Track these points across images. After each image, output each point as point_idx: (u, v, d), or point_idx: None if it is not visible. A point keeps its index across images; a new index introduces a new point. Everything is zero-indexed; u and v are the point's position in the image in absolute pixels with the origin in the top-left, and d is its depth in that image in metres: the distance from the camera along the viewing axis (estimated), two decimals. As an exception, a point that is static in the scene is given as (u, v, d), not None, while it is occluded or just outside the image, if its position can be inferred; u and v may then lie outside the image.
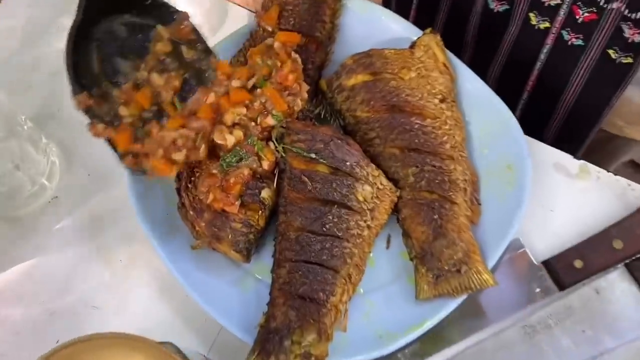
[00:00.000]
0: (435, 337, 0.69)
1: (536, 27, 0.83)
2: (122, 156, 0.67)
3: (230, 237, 0.68)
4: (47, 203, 0.79)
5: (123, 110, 0.68)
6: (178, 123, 0.68)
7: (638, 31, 0.75)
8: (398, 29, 0.82)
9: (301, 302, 0.66)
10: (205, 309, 0.67)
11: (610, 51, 0.79)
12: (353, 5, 0.83)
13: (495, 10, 0.85)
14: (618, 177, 0.79)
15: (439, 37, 0.79)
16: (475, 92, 0.78)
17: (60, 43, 0.88)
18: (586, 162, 0.80)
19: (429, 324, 0.66)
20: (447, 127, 0.74)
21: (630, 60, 0.78)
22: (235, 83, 0.73)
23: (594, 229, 0.75)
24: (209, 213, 0.68)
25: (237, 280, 0.71)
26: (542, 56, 0.86)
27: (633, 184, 0.78)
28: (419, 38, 0.78)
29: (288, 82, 0.72)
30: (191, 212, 0.68)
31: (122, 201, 0.76)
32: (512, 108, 0.77)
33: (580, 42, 0.80)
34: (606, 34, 0.77)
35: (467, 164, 0.75)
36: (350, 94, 0.76)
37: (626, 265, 0.71)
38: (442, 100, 0.76)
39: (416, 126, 0.74)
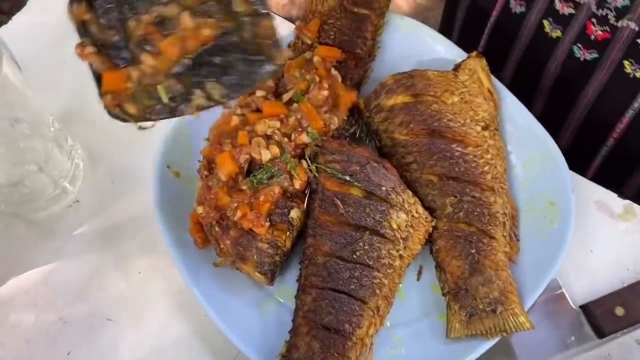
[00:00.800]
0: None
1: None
2: (102, 93, 0.54)
3: (255, 257, 0.65)
4: (67, 207, 0.76)
5: (148, 60, 0.52)
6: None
7: None
8: (441, 50, 0.79)
9: (326, 333, 0.63)
10: (223, 330, 0.64)
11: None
12: (396, 22, 0.80)
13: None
14: (666, 219, 0.75)
15: (484, 61, 0.75)
16: (520, 121, 0.74)
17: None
18: (632, 203, 0.76)
19: (457, 366, 0.63)
20: (488, 156, 0.71)
21: None
22: (259, 93, 0.70)
23: (636, 275, 0.71)
24: (235, 231, 0.65)
25: (259, 303, 0.68)
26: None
27: (683, 229, 0.74)
28: (464, 61, 0.75)
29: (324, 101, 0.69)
30: (217, 229, 0.65)
31: (145, 209, 0.74)
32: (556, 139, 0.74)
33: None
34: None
35: (507, 197, 0.71)
36: (388, 115, 0.73)
37: (672, 316, 0.67)
38: (484, 128, 0.72)
39: (457, 153, 0.70)
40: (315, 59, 0.73)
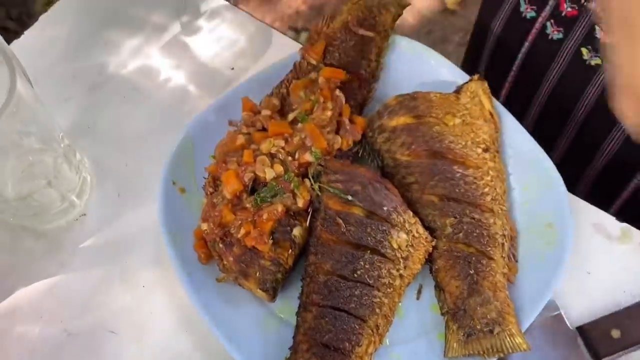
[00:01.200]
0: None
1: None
2: None
3: (257, 274, 0.66)
4: (74, 220, 0.77)
5: None
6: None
7: None
8: (444, 72, 0.80)
9: (325, 350, 0.64)
10: (225, 346, 0.65)
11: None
12: (400, 44, 0.82)
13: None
14: (664, 244, 0.76)
15: (486, 85, 0.77)
16: (520, 143, 0.76)
17: (102, 56, 0.89)
18: (629, 226, 0.77)
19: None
20: (489, 178, 0.72)
21: None
22: (265, 112, 0.72)
23: (633, 297, 0.72)
24: (238, 248, 0.66)
25: (261, 319, 0.69)
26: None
27: (680, 252, 0.75)
28: (465, 83, 0.77)
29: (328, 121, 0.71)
30: (220, 245, 0.67)
31: (150, 223, 0.75)
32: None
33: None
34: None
35: (506, 219, 0.72)
36: (391, 136, 0.74)
37: (667, 340, 0.68)
38: (485, 150, 0.73)
39: (458, 175, 0.72)
40: (320, 79, 0.74)
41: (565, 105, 0.86)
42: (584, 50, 0.80)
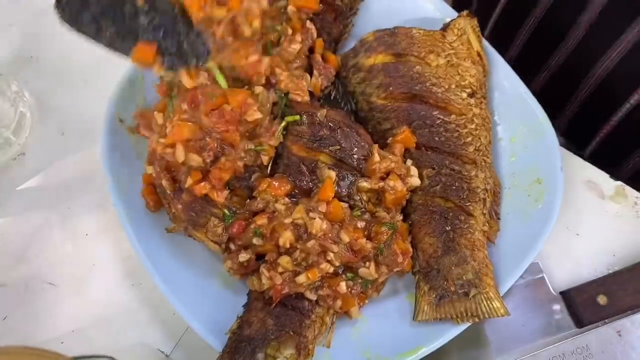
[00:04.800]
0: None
1: None
2: None
3: (210, 224, 0.59)
4: (11, 160, 0.70)
5: None
6: None
7: None
8: (431, 8, 0.71)
9: (282, 309, 0.57)
10: (171, 301, 0.58)
11: None
12: (382, -27, 0.73)
13: None
14: (659, 203, 0.69)
15: (475, 22, 0.69)
16: (510, 89, 0.68)
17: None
18: (624, 184, 0.71)
19: (424, 351, 0.58)
20: (473, 126, 0.65)
21: None
22: None
23: (623, 262, 0.66)
24: (188, 195, 0.59)
25: (213, 274, 0.63)
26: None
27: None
28: (453, 20, 0.68)
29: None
30: (168, 191, 0.59)
31: (97, 165, 0.67)
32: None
33: None
34: None
35: (490, 172, 0.65)
36: (367, 76, 0.66)
37: (657, 307, 0.62)
38: (471, 95, 0.66)
39: (438, 121, 0.64)
40: (290, 8, 0.65)
41: (555, 36, 0.77)
42: None
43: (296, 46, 0.63)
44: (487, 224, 0.63)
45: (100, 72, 0.73)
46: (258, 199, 0.59)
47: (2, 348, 0.41)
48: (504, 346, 0.62)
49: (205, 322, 0.58)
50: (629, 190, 0.70)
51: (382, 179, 0.61)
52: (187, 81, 0.60)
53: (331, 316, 0.59)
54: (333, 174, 0.59)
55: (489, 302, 0.59)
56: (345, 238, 0.57)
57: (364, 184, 0.60)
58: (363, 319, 0.61)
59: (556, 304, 0.64)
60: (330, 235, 0.57)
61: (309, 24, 0.66)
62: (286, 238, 0.56)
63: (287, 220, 0.57)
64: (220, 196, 0.58)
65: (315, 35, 0.66)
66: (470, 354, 0.62)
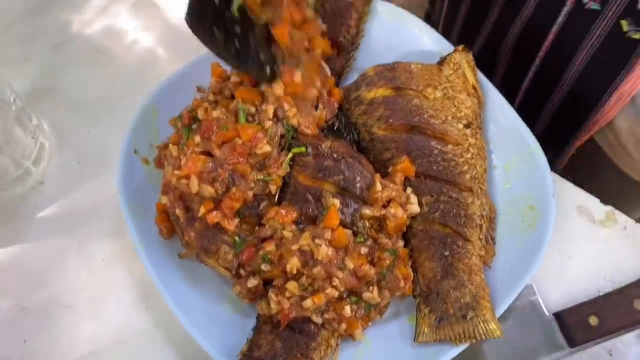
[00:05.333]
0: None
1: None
2: None
3: (221, 251, 0.62)
4: (31, 188, 0.73)
5: None
6: None
7: None
8: (428, 42, 0.76)
9: (289, 332, 0.61)
10: (184, 324, 0.62)
11: (624, 22, 0.69)
12: (382, 10, 0.77)
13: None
14: (646, 227, 0.73)
15: (470, 56, 0.73)
16: (503, 120, 0.72)
17: (65, 14, 0.84)
18: (614, 209, 0.74)
19: (423, 371, 0.61)
20: (468, 155, 0.68)
21: (638, 36, 0.69)
22: (235, 79, 0.67)
23: (614, 284, 0.69)
24: (200, 223, 0.62)
25: (224, 298, 0.66)
26: (560, 19, 0.75)
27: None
28: (449, 55, 0.72)
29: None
30: (181, 220, 0.63)
31: (112, 193, 0.71)
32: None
33: (596, 6, 0.71)
34: (622, 3, 0.68)
35: (486, 198, 0.69)
36: (368, 108, 0.70)
37: (646, 328, 0.66)
38: (466, 126, 0.69)
39: (436, 151, 0.68)
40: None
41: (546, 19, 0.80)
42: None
43: (315, 91, 0.67)
44: (483, 249, 0.67)
45: (115, 104, 0.78)
46: (266, 226, 0.62)
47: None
48: None
49: (216, 344, 0.61)
50: (618, 214, 0.74)
51: (384, 206, 0.64)
52: (202, 114, 0.64)
53: (336, 338, 0.63)
54: (337, 202, 0.63)
55: (485, 324, 0.62)
56: (350, 264, 0.60)
57: (367, 211, 0.63)
58: (366, 341, 0.64)
59: (550, 325, 0.67)
60: (335, 261, 0.60)
61: (323, 64, 0.70)
62: (293, 264, 0.60)
63: (294, 247, 0.60)
64: (231, 224, 0.62)
65: (329, 74, 0.70)
66: (468, 373, 0.65)
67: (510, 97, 0.73)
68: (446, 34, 0.77)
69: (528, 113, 0.74)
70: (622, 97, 0.76)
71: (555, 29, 0.75)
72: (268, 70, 0.63)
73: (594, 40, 0.72)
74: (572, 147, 0.88)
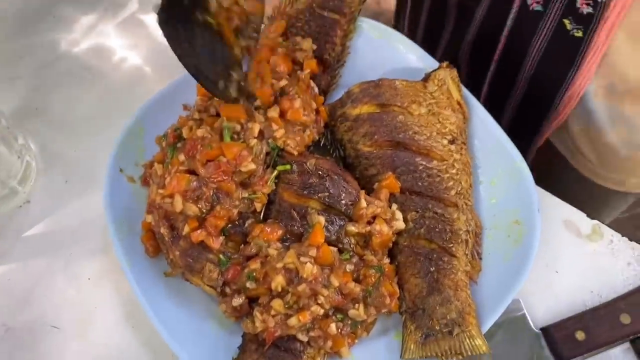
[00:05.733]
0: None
1: None
2: None
3: (205, 270, 0.62)
4: (17, 207, 0.73)
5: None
6: None
7: (587, 2, 0.68)
8: (413, 59, 0.76)
9: (275, 350, 0.60)
10: (169, 343, 0.61)
11: (566, 21, 0.71)
12: (367, 28, 0.77)
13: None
14: (634, 244, 0.73)
15: (455, 72, 0.73)
16: (488, 135, 0.72)
17: (53, 34, 0.84)
18: (600, 223, 0.74)
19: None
20: (454, 171, 0.69)
21: (580, 34, 0.71)
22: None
23: (600, 298, 0.69)
24: (185, 242, 0.62)
25: (209, 316, 0.65)
26: (509, 22, 0.77)
27: (649, 251, 0.72)
28: (434, 71, 0.73)
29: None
30: (166, 238, 0.63)
31: (98, 212, 0.71)
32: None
33: (539, 7, 0.72)
34: (563, 3, 0.70)
35: (472, 214, 0.69)
36: (353, 125, 0.70)
37: (632, 342, 0.66)
38: (451, 142, 0.70)
39: (421, 167, 0.68)
40: (304, 73, 0.70)
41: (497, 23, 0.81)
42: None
43: (310, 118, 0.67)
44: (469, 264, 0.67)
45: (102, 122, 0.78)
46: (252, 244, 0.62)
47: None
48: (487, 382, 0.65)
49: (202, 363, 0.61)
50: (605, 228, 0.74)
51: (369, 223, 0.64)
52: (186, 133, 0.64)
53: (322, 356, 0.62)
54: (322, 219, 0.63)
55: (471, 340, 0.62)
56: (335, 282, 0.60)
57: (352, 228, 0.63)
58: (353, 358, 0.64)
59: (537, 341, 0.67)
60: (320, 279, 0.60)
61: (312, 83, 0.70)
62: (278, 282, 0.59)
63: (279, 265, 0.60)
64: (216, 242, 0.62)
65: (317, 92, 0.70)
66: (456, 390, 0.65)
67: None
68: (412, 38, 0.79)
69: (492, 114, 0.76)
70: (572, 97, 0.78)
71: (505, 32, 0.78)
72: (234, 90, 0.62)
73: (541, 41, 0.74)
74: (532, 150, 0.90)
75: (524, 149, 0.87)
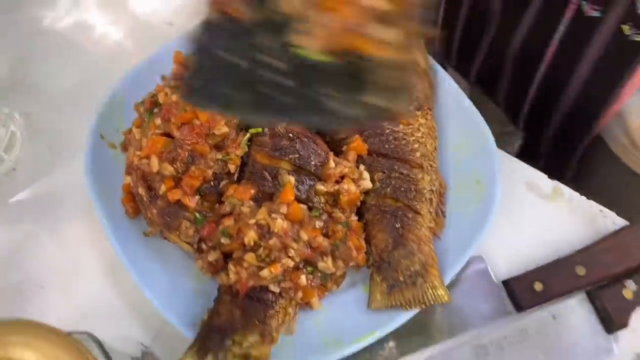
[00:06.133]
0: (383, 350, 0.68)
1: None
2: None
3: (182, 227, 0.66)
4: (3, 175, 0.76)
5: None
6: None
7: None
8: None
9: (248, 301, 0.64)
10: (147, 296, 0.65)
11: (625, 27, 0.70)
12: None
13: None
14: (591, 203, 0.77)
15: (421, 42, 0.76)
16: (455, 102, 0.76)
17: (36, 10, 0.87)
18: (559, 183, 0.78)
19: (378, 335, 0.65)
20: (419, 134, 0.72)
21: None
22: None
23: (558, 253, 0.73)
24: (162, 201, 0.66)
25: (187, 274, 0.69)
26: (561, 27, 0.77)
27: (605, 210, 0.76)
28: (401, 40, 0.76)
29: None
30: (145, 198, 0.66)
31: (81, 178, 0.74)
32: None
33: (597, 13, 0.71)
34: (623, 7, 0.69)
35: (436, 175, 0.73)
36: (324, 91, 0.74)
37: (587, 292, 0.70)
38: (417, 108, 0.73)
39: (387, 131, 0.72)
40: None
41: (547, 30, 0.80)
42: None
43: None
44: (433, 222, 0.71)
45: (84, 93, 0.81)
46: (226, 203, 0.66)
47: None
48: (451, 331, 0.69)
49: (180, 315, 0.64)
50: (565, 188, 0.78)
51: (337, 182, 0.68)
52: (162, 98, 0.68)
53: (294, 307, 0.66)
54: (292, 179, 0.66)
55: (434, 290, 0.66)
56: (304, 236, 0.64)
57: (321, 187, 0.67)
58: (323, 309, 0.68)
59: (498, 292, 0.71)
60: (290, 233, 0.64)
61: None
62: (250, 237, 0.63)
63: (252, 221, 0.64)
64: (192, 201, 0.65)
65: None
66: (420, 339, 0.69)
67: (515, 109, 0.75)
68: (445, 53, 0.79)
69: (536, 123, 0.77)
70: (630, 91, 0.77)
71: (556, 39, 0.77)
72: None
73: (597, 47, 0.74)
74: (579, 152, 0.90)
75: (571, 154, 0.90)
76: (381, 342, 0.67)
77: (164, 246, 0.69)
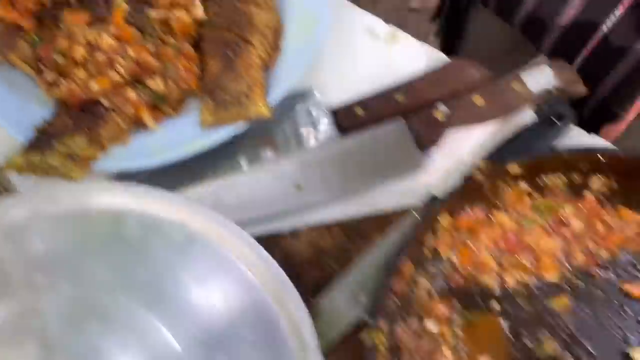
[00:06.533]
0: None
1: None
2: None
3: (20, 46, 0.70)
4: None
5: None
6: None
7: None
8: None
9: (81, 113, 0.70)
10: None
11: None
12: None
13: None
14: (425, 45, 0.83)
15: None
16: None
17: None
18: (397, 29, 0.84)
19: (204, 143, 0.71)
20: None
21: None
22: None
23: (386, 87, 0.80)
24: (1, 24, 0.70)
25: (35, 99, 0.74)
26: None
27: (437, 51, 0.83)
28: None
29: None
30: (-17, 18, 0.71)
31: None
32: None
33: None
34: None
35: (274, 12, 0.78)
36: None
37: (404, 115, 0.76)
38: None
39: (224, -34, 0.76)
40: None
41: None
42: None
43: None
44: (267, 53, 0.76)
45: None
46: (62, 27, 0.71)
47: None
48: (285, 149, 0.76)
49: (15, 124, 0.70)
50: (401, 32, 0.84)
51: (169, 10, 0.73)
52: None
53: (127, 123, 0.72)
54: (124, 4, 0.71)
55: (256, 107, 0.72)
56: (132, 53, 0.70)
57: (152, 13, 0.72)
58: (160, 130, 0.74)
59: (326, 118, 0.77)
60: (119, 50, 0.69)
61: None
62: (80, 52, 0.68)
63: (82, 40, 0.69)
64: (28, 23, 0.70)
65: None
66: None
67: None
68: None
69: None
70: None
71: None
72: None
73: None
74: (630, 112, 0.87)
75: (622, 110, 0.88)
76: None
77: (10, 77, 0.74)
